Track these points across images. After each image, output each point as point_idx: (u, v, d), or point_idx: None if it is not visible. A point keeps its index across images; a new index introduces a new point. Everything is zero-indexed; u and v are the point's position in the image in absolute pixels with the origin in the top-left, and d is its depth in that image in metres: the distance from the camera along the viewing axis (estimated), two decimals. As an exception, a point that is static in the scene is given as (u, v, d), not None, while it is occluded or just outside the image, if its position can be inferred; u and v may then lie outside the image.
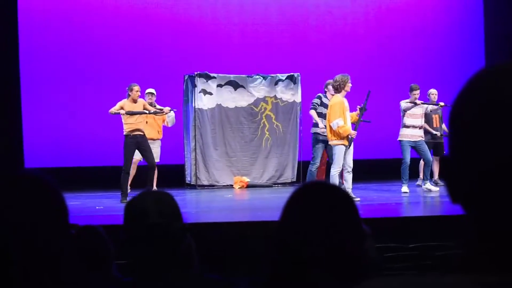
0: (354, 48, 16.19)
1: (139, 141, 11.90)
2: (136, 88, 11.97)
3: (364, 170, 14.45)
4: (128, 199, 10.58)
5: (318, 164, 12.33)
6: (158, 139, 12.95)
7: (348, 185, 11.20)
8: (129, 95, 11.97)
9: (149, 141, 12.74)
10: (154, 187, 12.39)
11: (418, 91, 12.75)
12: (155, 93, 12.90)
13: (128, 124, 11.88)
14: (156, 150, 12.78)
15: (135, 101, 11.94)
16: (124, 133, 11.93)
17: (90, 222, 8.47)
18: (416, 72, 16.08)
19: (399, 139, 12.74)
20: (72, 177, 14.30)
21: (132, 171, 12.79)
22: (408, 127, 12.64)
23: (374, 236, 5.08)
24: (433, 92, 13.57)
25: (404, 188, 12.42)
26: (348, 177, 11.17)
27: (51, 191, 1.90)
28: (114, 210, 11.31)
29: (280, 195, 12.89)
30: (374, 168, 15.36)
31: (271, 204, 11.58)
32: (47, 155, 14.46)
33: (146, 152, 11.91)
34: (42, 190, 1.88)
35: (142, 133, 11.92)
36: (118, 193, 12.74)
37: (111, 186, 12.91)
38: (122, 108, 11.96)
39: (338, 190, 2.05)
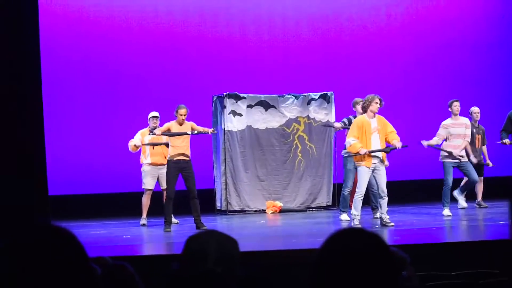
0: (390, 64, 16.13)
1: (182, 167, 11.81)
2: (181, 111, 11.87)
3: (402, 192, 14.37)
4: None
5: (350, 187, 12.30)
6: (165, 164, 12.91)
7: (382, 210, 11.13)
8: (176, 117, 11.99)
9: (158, 166, 12.76)
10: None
11: (457, 103, 12.68)
12: (159, 116, 12.91)
13: (173, 147, 11.85)
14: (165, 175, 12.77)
15: (181, 124, 11.90)
16: (168, 157, 11.93)
17: (118, 253, 8.52)
18: (456, 88, 15.97)
19: (440, 159, 12.67)
20: (96, 204, 14.40)
21: (147, 201, 12.80)
22: (448, 147, 12.56)
23: (415, 264, 5.05)
24: (476, 111, 13.43)
25: (446, 211, 12.33)
26: (382, 202, 11.09)
27: (73, 243, 1.95)
28: (142, 240, 11.38)
29: (314, 220, 12.88)
30: (412, 190, 15.26)
31: (305, 230, 11.56)
32: (71, 181, 14.55)
33: (188, 181, 11.79)
34: (66, 242, 1.93)
35: (187, 158, 11.84)
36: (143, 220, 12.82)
37: (137, 213, 12.95)
38: (169, 129, 11.95)
39: (374, 241, 2.07)
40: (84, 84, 14.85)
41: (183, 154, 11.81)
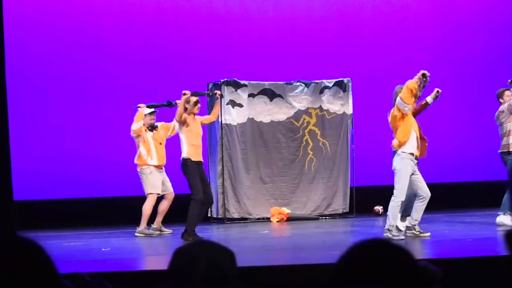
0: (417, 47, 16.07)
1: (201, 170, 11.99)
2: (194, 99, 12.08)
3: (432, 197, 14.35)
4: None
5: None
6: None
7: (416, 216, 10.95)
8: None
9: (161, 168, 12.77)
10: (160, 224, 12.45)
11: (510, 92, 12.17)
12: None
13: (192, 146, 11.84)
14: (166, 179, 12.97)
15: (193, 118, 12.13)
16: (186, 156, 11.84)
17: (96, 269, 8.53)
18: (493, 73, 15.89)
19: (500, 150, 12.16)
20: (70, 210, 14.36)
21: (151, 210, 12.70)
22: (510, 134, 12.10)
23: (446, 281, 5.05)
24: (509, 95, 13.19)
25: (503, 218, 11.95)
26: (419, 206, 10.90)
27: (41, 258, 1.94)
28: (124, 253, 11.39)
29: (328, 230, 12.88)
30: (444, 194, 15.17)
31: (317, 242, 11.56)
32: (40, 184, 14.54)
33: (205, 185, 11.93)
34: (32, 257, 1.93)
35: (201, 160, 12.04)
36: (125, 229, 12.84)
37: (118, 221, 12.97)
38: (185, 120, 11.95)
39: (401, 254, 2.07)
40: (56, 74, 14.70)
41: (200, 155, 11.98)
